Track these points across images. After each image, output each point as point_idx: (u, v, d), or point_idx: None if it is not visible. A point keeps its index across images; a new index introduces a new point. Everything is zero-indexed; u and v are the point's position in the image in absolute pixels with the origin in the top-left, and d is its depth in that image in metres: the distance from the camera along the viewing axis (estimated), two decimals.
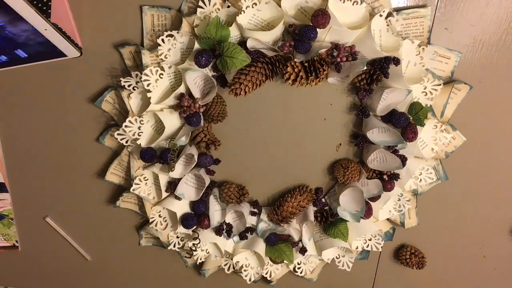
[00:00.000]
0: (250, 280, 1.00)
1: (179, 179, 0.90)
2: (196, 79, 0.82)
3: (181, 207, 0.93)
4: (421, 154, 0.87)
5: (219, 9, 0.78)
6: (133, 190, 0.91)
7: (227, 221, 0.95)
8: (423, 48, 0.80)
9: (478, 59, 0.83)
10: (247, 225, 0.95)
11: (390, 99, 0.83)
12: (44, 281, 1.12)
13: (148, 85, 0.81)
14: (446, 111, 0.86)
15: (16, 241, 1.07)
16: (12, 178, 0.99)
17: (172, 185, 0.91)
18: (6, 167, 0.98)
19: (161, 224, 0.95)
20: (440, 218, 0.97)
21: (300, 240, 0.95)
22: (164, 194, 0.92)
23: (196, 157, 0.87)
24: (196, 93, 0.83)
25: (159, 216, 0.95)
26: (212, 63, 0.81)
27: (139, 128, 0.85)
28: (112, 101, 0.88)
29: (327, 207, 0.96)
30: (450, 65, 0.83)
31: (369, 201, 0.91)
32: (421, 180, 0.90)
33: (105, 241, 1.05)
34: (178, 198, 0.91)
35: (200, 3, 0.78)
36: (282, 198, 0.95)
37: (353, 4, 0.76)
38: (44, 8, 0.75)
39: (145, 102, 0.85)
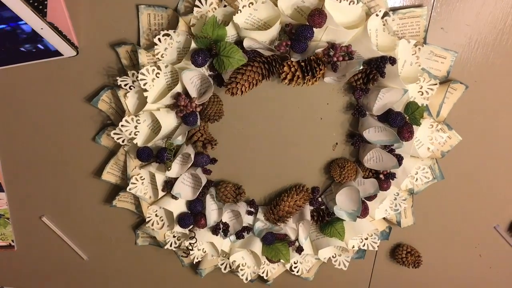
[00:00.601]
0: (246, 279, 1.00)
1: (176, 179, 0.90)
2: (192, 78, 0.82)
3: (178, 207, 0.93)
4: (417, 154, 0.87)
5: (215, 9, 0.78)
6: (130, 189, 0.90)
7: (223, 221, 0.95)
8: (419, 48, 0.80)
9: (474, 59, 0.83)
10: (243, 225, 0.95)
11: (386, 98, 0.83)
12: (41, 280, 1.11)
13: (144, 84, 0.81)
14: (442, 111, 0.86)
15: (12, 241, 1.07)
16: (8, 177, 0.99)
17: (169, 184, 0.91)
18: (2, 166, 0.98)
19: (158, 224, 0.95)
20: (436, 217, 0.98)
21: (297, 239, 0.95)
22: (161, 194, 0.92)
23: (192, 156, 0.87)
24: (193, 93, 0.83)
25: (156, 215, 0.95)
26: (209, 63, 0.81)
27: (135, 127, 0.85)
28: (109, 101, 0.88)
29: (323, 206, 0.96)
30: (446, 65, 0.83)
31: (365, 200, 0.92)
32: (417, 179, 0.90)
33: (101, 241, 1.04)
34: (175, 198, 0.91)
35: (197, 3, 0.77)
36: (278, 197, 0.95)
37: (349, 4, 0.76)
38: (40, 7, 0.75)
39: (142, 102, 0.85)
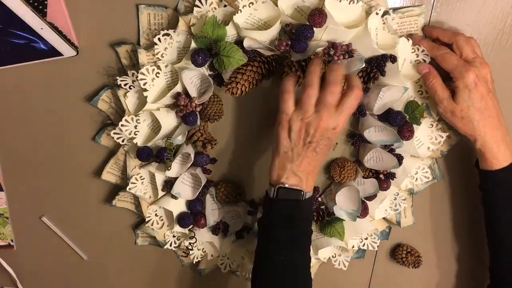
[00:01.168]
0: (246, 279, 1.00)
1: (176, 178, 0.90)
2: (192, 78, 0.82)
3: (178, 206, 0.93)
4: (417, 153, 0.87)
5: (215, 8, 0.78)
6: (129, 189, 0.90)
7: (223, 220, 0.95)
8: (418, 47, 0.80)
9: None
10: (243, 224, 0.95)
11: (386, 97, 0.83)
12: (40, 280, 1.11)
13: (144, 84, 0.81)
14: None
15: (12, 240, 1.06)
16: (7, 176, 0.99)
17: (169, 184, 0.91)
18: (1, 166, 0.98)
19: (158, 223, 0.95)
20: (436, 217, 0.98)
21: None
22: (161, 193, 0.92)
23: (192, 156, 0.87)
24: (193, 92, 0.83)
25: (156, 215, 0.95)
26: (209, 62, 0.81)
27: (135, 127, 0.85)
28: (109, 100, 0.88)
29: (323, 206, 0.96)
30: None
31: (365, 200, 0.92)
32: (417, 179, 0.90)
33: (101, 241, 1.04)
34: (175, 197, 0.91)
35: (197, 2, 0.77)
36: None
37: (349, 3, 0.76)
38: (40, 7, 0.75)
39: (142, 101, 0.85)
